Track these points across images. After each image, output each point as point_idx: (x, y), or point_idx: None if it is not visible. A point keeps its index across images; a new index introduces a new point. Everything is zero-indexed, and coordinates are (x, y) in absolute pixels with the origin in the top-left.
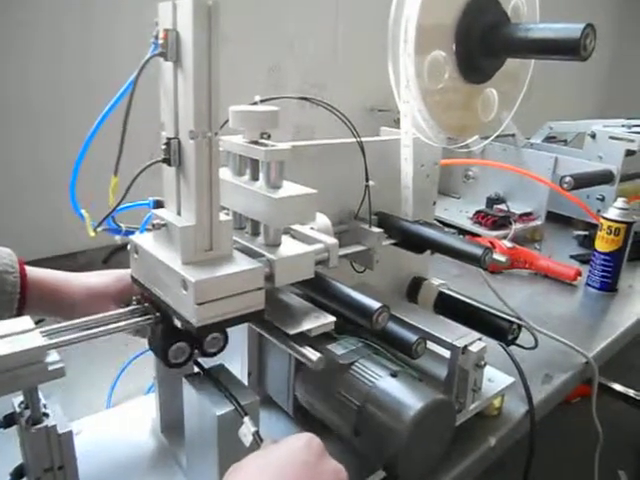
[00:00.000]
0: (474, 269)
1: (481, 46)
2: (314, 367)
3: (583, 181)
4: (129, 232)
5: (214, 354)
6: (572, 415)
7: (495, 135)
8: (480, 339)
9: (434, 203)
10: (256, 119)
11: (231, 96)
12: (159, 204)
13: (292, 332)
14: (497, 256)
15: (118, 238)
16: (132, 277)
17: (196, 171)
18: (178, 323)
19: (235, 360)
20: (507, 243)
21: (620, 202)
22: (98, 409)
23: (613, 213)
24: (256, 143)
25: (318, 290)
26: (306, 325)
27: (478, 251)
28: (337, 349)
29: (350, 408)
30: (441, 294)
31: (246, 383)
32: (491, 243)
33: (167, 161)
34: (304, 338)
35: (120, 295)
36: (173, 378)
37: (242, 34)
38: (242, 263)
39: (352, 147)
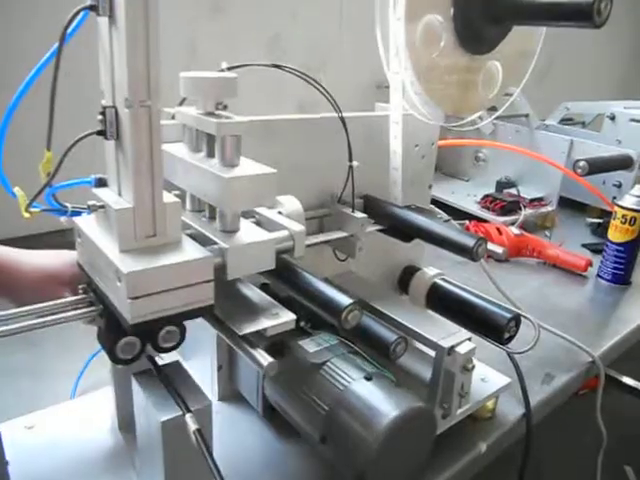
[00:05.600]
0: None
1: (483, 10)
2: (266, 373)
3: (599, 166)
4: (76, 213)
5: (169, 349)
6: (579, 408)
7: (498, 113)
8: (470, 339)
9: (430, 187)
10: (209, 87)
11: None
12: (102, 182)
13: (242, 332)
14: (493, 247)
15: (64, 220)
16: (78, 263)
17: (133, 145)
18: None
19: (205, 352)
20: (514, 230)
21: (637, 189)
22: (65, 399)
23: (629, 201)
24: (211, 115)
25: (286, 281)
26: (261, 324)
27: (470, 242)
28: (310, 346)
29: (318, 412)
30: (435, 285)
31: (216, 377)
32: (498, 229)
33: (103, 133)
34: (260, 338)
35: (75, 280)
36: (129, 372)
37: (238, 2)
38: (189, 252)
39: (335, 123)
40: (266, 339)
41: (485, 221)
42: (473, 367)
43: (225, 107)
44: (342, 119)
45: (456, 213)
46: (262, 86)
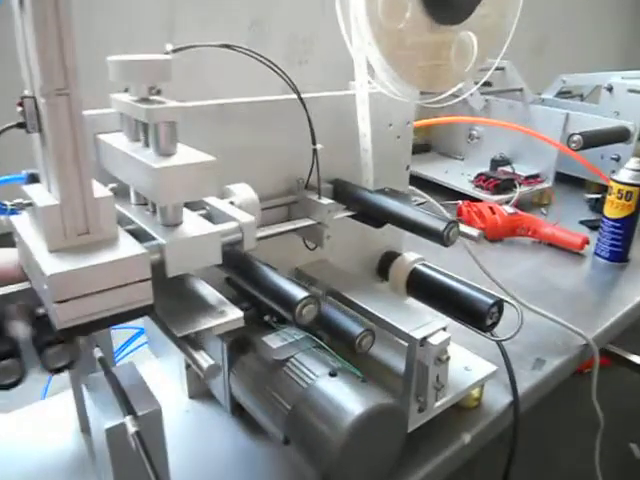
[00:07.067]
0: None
1: None
2: (206, 377)
3: (594, 139)
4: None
5: (58, 370)
6: (579, 388)
7: (473, 90)
8: (444, 329)
9: (407, 168)
10: (140, 71)
11: (208, 56)
12: (34, 178)
13: (180, 334)
14: (467, 230)
15: (2, 219)
16: (20, 265)
17: (53, 137)
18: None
19: (174, 349)
20: (508, 208)
21: (633, 162)
22: (36, 399)
23: (625, 175)
24: (144, 101)
25: (243, 275)
26: (202, 324)
27: (440, 225)
28: (274, 342)
29: (280, 412)
30: (415, 271)
31: (185, 375)
32: (491, 209)
33: (23, 126)
34: (226, 333)
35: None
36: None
37: None
38: (123, 249)
39: (298, 104)
40: (230, 335)
41: (479, 200)
42: (448, 358)
43: (159, 92)
44: (301, 100)
45: (450, 193)
46: (247, 71)
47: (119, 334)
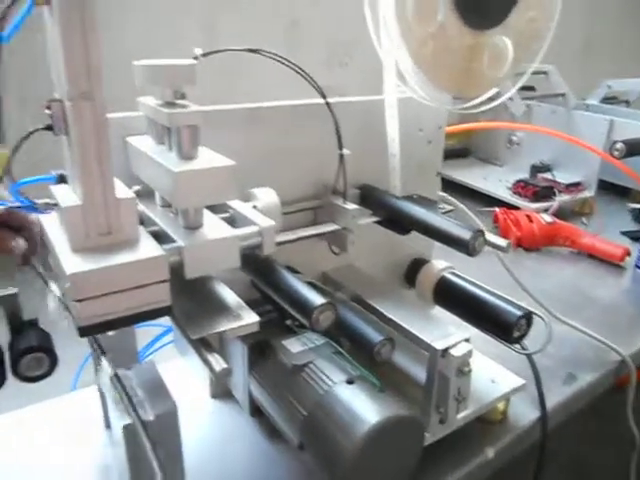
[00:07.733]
0: None
1: None
2: (219, 379)
3: (639, 147)
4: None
5: (35, 379)
6: (619, 400)
7: (510, 94)
8: (467, 340)
9: (438, 174)
10: (165, 75)
11: (243, 58)
12: (63, 179)
13: (194, 336)
14: (494, 240)
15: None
16: None
17: (78, 139)
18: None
19: None
20: (546, 217)
21: None
22: (67, 390)
23: None
24: (167, 105)
25: (263, 278)
26: (217, 327)
27: (466, 234)
28: (294, 346)
29: (296, 417)
30: (442, 280)
31: (208, 375)
32: (528, 217)
33: (51, 128)
34: (245, 336)
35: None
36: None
37: None
38: (143, 250)
39: (326, 108)
40: (251, 337)
41: (517, 208)
42: (470, 370)
43: (183, 96)
44: (328, 105)
45: (487, 200)
46: (283, 74)
47: (147, 332)
